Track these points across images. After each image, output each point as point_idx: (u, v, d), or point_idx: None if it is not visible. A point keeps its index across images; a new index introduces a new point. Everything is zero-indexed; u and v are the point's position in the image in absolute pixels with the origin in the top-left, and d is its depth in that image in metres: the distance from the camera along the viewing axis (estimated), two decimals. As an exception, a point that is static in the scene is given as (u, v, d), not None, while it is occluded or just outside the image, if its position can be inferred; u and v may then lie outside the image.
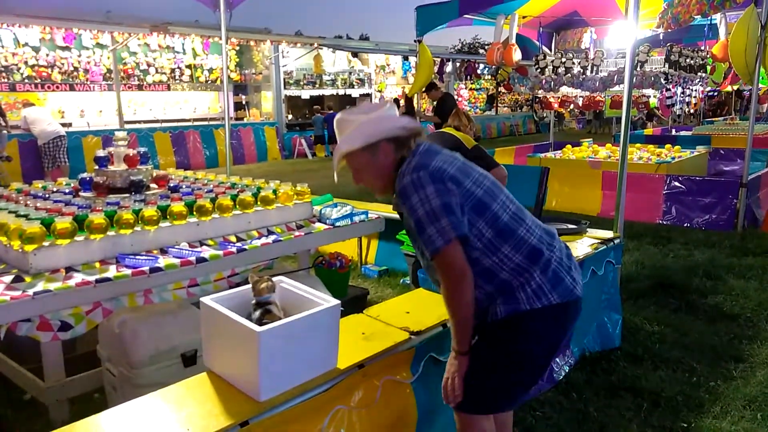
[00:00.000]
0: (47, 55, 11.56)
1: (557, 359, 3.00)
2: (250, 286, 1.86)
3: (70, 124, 11.46)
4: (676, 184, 6.60)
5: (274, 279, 1.89)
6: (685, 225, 6.41)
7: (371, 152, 1.73)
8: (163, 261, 2.45)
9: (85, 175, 3.18)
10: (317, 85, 16.22)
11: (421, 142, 1.77)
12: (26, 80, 11.26)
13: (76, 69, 11.97)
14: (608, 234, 3.41)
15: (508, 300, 1.67)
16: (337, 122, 1.78)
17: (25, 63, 11.26)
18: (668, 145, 8.66)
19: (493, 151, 10.19)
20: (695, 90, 8.38)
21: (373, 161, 1.74)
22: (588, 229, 3.48)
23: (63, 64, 11.77)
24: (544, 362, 1.81)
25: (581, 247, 3.18)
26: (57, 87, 11.66)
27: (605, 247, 3.26)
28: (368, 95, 17.86)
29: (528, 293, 1.66)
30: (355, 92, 17.38)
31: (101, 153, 3.13)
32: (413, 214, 1.63)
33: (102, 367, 2.63)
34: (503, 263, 1.66)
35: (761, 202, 6.64)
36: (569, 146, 9.25)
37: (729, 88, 13.47)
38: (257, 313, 1.75)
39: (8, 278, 2.23)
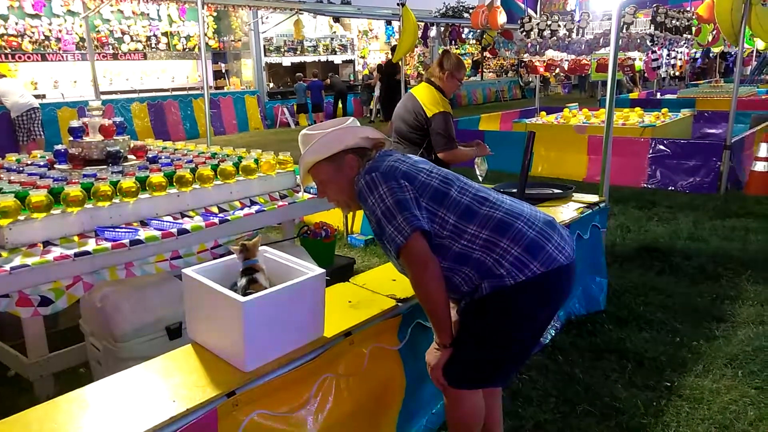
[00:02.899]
0: (16, 23, 11.12)
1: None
2: (233, 256, 1.83)
3: (43, 96, 11.10)
4: (661, 147, 6.62)
5: (260, 248, 1.85)
6: (670, 188, 6.46)
7: (336, 164, 1.75)
8: (143, 233, 2.39)
9: (59, 146, 3.08)
10: (298, 52, 15.88)
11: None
12: (-5, 50, 10.86)
13: (47, 38, 11.54)
14: (594, 198, 3.41)
15: (492, 278, 1.65)
16: (302, 137, 1.79)
17: (-6, 32, 10.84)
18: (638, 109, 8.58)
19: (478, 118, 10.12)
20: (681, 52, 8.33)
21: (338, 174, 1.76)
22: (574, 194, 3.48)
23: (33, 33, 11.34)
24: (535, 336, 1.80)
25: (567, 211, 3.17)
26: (28, 57, 11.26)
27: (591, 211, 3.26)
28: (351, 61, 17.56)
29: (507, 267, 1.63)
30: (337, 58, 17.06)
31: (75, 123, 3.02)
32: (373, 215, 1.67)
33: (86, 342, 2.59)
34: (472, 243, 1.65)
35: (744, 164, 6.70)
36: (543, 113, 8.94)
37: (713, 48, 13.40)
38: (243, 281, 1.72)
39: (-17, 254, 2.16)
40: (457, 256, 1.66)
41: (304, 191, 3.15)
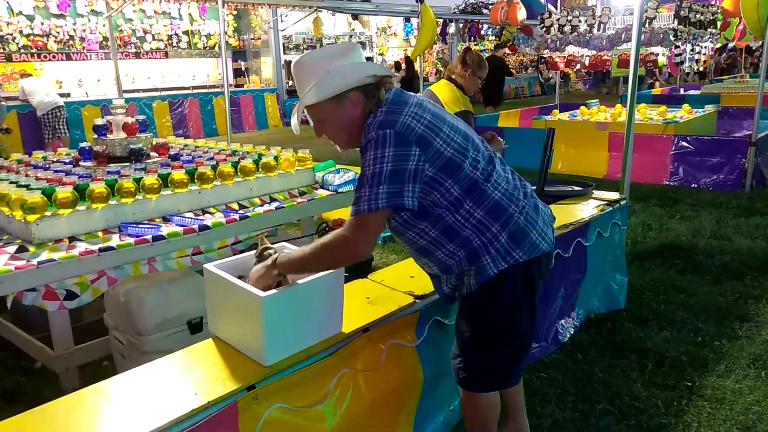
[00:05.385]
0: (42, 23, 11.35)
1: (562, 322, 3.00)
2: (253, 252, 1.85)
3: (68, 95, 11.32)
4: (684, 144, 6.50)
5: (277, 246, 1.88)
6: (693, 185, 6.34)
7: (338, 102, 1.61)
8: (165, 229, 2.44)
9: (84, 144, 3.15)
10: (317, 50, 15.92)
11: (389, 90, 1.65)
12: (22, 50, 11.09)
13: (71, 37, 11.77)
14: (614, 195, 3.37)
15: (477, 270, 1.65)
16: (298, 67, 1.64)
17: (20, 32, 11.07)
18: (642, 105, 8.37)
19: (497, 115, 10.05)
20: (705, 47, 8.16)
21: (339, 112, 1.62)
22: (594, 191, 3.44)
23: (58, 32, 11.57)
24: (531, 320, 1.79)
25: (587, 208, 3.14)
26: (53, 57, 11.49)
27: (611, 208, 3.22)
28: (370, 59, 17.57)
29: (492, 254, 1.63)
30: (356, 56, 17.05)
31: (100, 121, 3.09)
32: (363, 168, 1.56)
33: (110, 335, 2.65)
34: (466, 219, 1.63)
35: (770, 161, 6.55)
36: (556, 111, 8.77)
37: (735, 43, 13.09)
38: None
39: (12, 248, 2.22)
40: (447, 229, 1.64)
41: (322, 186, 3.17)
